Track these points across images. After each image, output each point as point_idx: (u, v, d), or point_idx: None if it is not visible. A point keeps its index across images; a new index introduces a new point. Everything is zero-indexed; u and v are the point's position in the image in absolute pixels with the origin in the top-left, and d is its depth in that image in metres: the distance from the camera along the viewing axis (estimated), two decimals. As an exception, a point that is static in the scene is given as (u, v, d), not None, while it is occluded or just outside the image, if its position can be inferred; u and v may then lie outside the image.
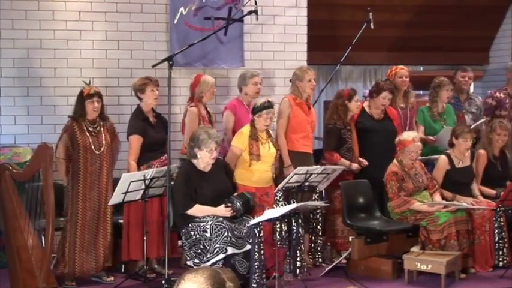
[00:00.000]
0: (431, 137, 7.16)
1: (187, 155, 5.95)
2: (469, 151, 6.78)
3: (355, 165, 6.67)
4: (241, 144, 6.12)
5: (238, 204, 5.65)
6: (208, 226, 5.49)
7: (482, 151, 6.90)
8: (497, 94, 7.78)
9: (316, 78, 6.82)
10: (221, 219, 5.57)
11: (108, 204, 5.93)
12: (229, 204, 5.65)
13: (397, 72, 7.25)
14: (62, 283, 5.91)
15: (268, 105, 6.09)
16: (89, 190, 5.96)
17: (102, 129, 6.05)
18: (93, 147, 5.95)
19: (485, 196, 6.76)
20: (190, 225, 5.60)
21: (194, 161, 5.80)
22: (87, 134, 5.96)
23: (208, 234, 5.47)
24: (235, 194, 5.83)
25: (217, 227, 5.47)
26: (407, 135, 6.51)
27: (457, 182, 6.68)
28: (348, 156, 6.71)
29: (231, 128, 6.62)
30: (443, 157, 6.73)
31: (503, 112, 7.65)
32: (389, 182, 6.41)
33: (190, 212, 5.63)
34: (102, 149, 6.00)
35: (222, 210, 5.64)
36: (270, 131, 6.31)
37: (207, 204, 5.66)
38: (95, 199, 5.99)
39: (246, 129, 6.17)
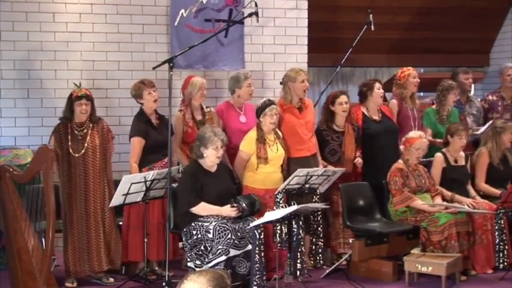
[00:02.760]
0: (439, 140, 7.13)
1: (193, 154, 5.94)
2: (463, 153, 6.78)
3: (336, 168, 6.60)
4: (249, 148, 6.12)
5: (244, 204, 5.66)
6: (211, 227, 5.49)
7: (484, 150, 6.88)
8: (490, 97, 7.81)
9: (308, 79, 6.78)
10: (225, 220, 5.57)
11: (109, 206, 5.93)
12: (235, 205, 5.66)
13: (410, 74, 7.23)
14: (63, 284, 5.92)
15: (270, 103, 6.11)
16: (74, 192, 5.95)
17: (90, 131, 6.02)
18: (71, 150, 5.93)
19: (488, 196, 6.75)
20: (192, 224, 5.59)
21: (200, 161, 5.81)
22: (70, 136, 5.94)
23: (210, 235, 5.47)
24: (242, 195, 5.84)
25: (220, 229, 5.47)
26: (413, 133, 6.55)
27: (453, 179, 6.68)
28: (331, 158, 6.69)
29: None
30: (438, 155, 6.73)
31: (495, 115, 7.66)
32: (394, 178, 6.41)
33: (195, 209, 5.63)
34: (84, 151, 5.96)
35: (228, 210, 5.65)
36: (279, 132, 6.30)
37: (212, 203, 5.67)
38: (82, 201, 5.97)
39: (252, 133, 6.17)
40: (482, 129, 7.36)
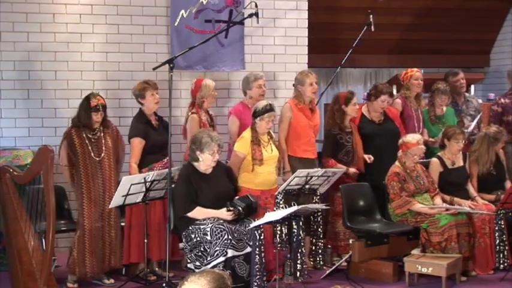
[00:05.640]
0: (431, 139, 7.17)
1: (188, 157, 5.95)
2: (461, 152, 6.77)
3: (352, 170, 6.62)
4: (243, 149, 6.12)
5: (240, 208, 5.65)
6: (208, 229, 5.49)
7: (473, 160, 6.84)
8: (502, 100, 7.75)
9: (317, 81, 6.80)
10: (221, 221, 5.56)
11: (109, 206, 5.94)
12: (231, 208, 5.66)
13: (413, 75, 7.26)
14: (64, 285, 5.92)
15: (270, 109, 6.09)
16: (93, 195, 5.98)
17: (102, 134, 6.06)
18: (92, 154, 5.97)
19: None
20: (190, 228, 5.60)
21: (195, 164, 5.80)
22: (87, 141, 5.98)
23: (208, 237, 5.47)
24: (238, 197, 5.84)
25: (217, 230, 5.47)
26: (411, 138, 6.49)
27: (451, 183, 6.66)
28: (346, 159, 6.70)
29: (236, 133, 6.58)
30: (434, 160, 6.71)
31: (510, 117, 7.63)
32: (391, 182, 6.40)
33: (191, 214, 5.63)
34: (103, 155, 6.01)
35: (224, 214, 5.64)
36: (272, 132, 6.30)
37: (208, 207, 5.66)
38: (101, 203, 6.00)
39: (247, 134, 6.17)
40: (471, 127, 7.36)
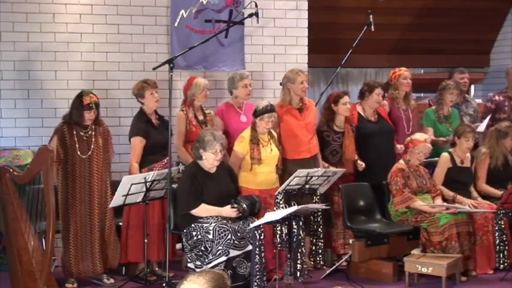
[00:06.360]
0: (442, 138, 7.16)
1: (192, 155, 5.94)
2: (469, 153, 6.79)
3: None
4: (242, 148, 6.13)
5: (245, 205, 5.65)
6: (211, 228, 5.49)
7: (485, 151, 6.88)
8: (496, 97, 7.81)
9: (308, 80, 6.77)
10: (225, 221, 5.57)
11: (109, 206, 5.94)
12: (235, 205, 5.66)
13: (401, 74, 7.25)
14: (63, 285, 5.92)
15: (270, 109, 6.09)
16: (79, 193, 5.97)
17: (93, 133, 6.04)
18: (79, 152, 5.95)
19: (489, 196, 6.76)
20: (192, 226, 5.60)
21: (200, 162, 5.81)
22: (76, 138, 5.96)
23: (210, 236, 5.47)
24: (243, 195, 5.84)
25: (220, 229, 5.47)
26: (419, 136, 6.55)
27: (457, 180, 6.69)
28: (332, 159, 6.71)
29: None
30: (445, 154, 6.75)
31: (503, 115, 7.67)
32: (395, 178, 6.41)
33: (195, 211, 5.63)
34: (90, 153, 5.99)
35: (228, 211, 5.65)
36: (273, 132, 6.29)
37: (211, 205, 5.67)
38: (87, 202, 5.99)
39: (246, 133, 6.18)
40: (483, 126, 7.36)
